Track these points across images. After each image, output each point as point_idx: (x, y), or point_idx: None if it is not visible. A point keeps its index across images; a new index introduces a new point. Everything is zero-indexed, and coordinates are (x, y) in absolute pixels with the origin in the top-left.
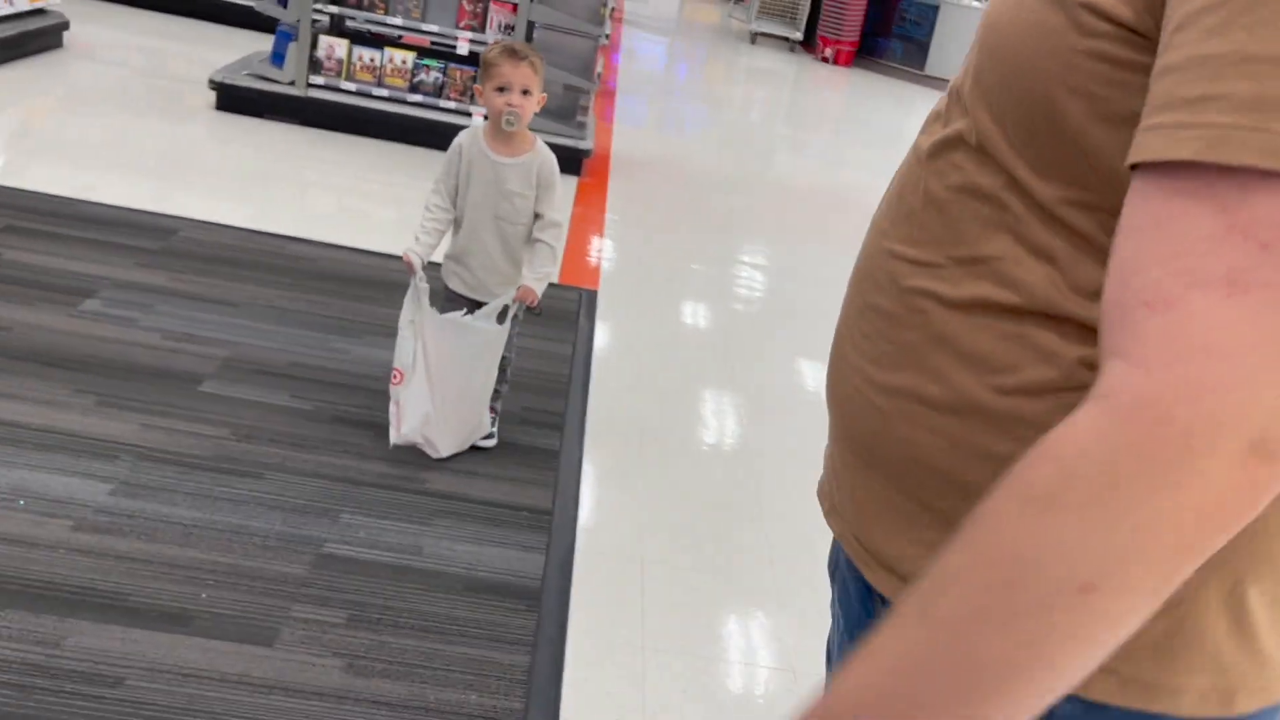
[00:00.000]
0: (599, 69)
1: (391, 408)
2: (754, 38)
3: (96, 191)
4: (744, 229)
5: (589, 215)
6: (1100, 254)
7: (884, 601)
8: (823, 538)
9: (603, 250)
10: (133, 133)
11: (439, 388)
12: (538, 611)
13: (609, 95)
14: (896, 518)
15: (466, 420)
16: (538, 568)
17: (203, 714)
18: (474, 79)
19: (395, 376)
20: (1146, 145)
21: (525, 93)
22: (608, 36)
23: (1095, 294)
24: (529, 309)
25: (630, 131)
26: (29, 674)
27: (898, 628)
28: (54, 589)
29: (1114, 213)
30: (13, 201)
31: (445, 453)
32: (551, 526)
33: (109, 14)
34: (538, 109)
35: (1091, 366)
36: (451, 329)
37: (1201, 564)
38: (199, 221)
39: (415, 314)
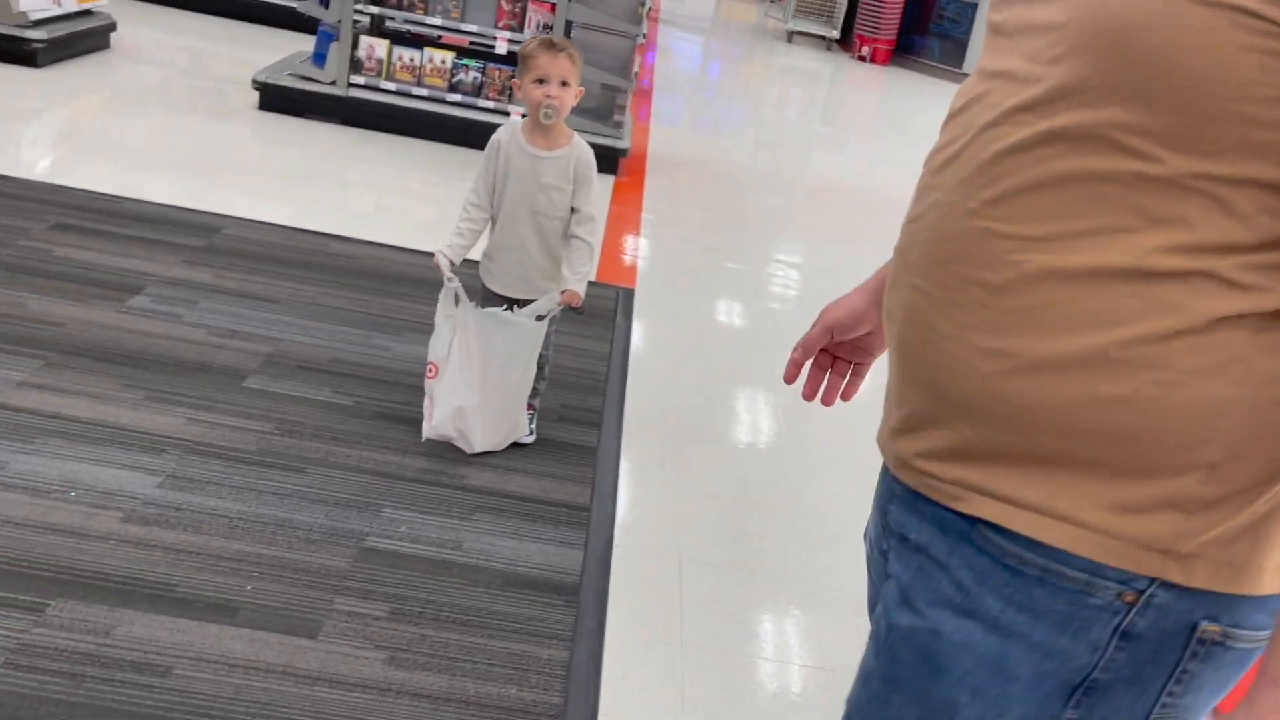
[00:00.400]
0: (636, 68)
1: (425, 402)
2: (790, 36)
3: (143, 190)
4: (781, 228)
5: (626, 214)
6: (1231, 214)
7: (984, 523)
8: (860, 535)
9: (639, 249)
10: (178, 132)
11: (477, 381)
12: (576, 607)
13: (645, 94)
14: (1001, 459)
15: (505, 416)
16: (576, 563)
17: (249, 704)
18: (512, 77)
19: (430, 370)
20: None
21: (563, 84)
22: (644, 36)
23: (1226, 249)
24: (572, 309)
25: (667, 131)
26: (80, 663)
27: None
28: (104, 579)
29: (1253, 182)
30: (62, 199)
31: (479, 448)
32: (589, 523)
33: (155, 15)
34: (575, 102)
35: (1224, 319)
36: (491, 323)
37: None
38: (242, 219)
39: (451, 310)
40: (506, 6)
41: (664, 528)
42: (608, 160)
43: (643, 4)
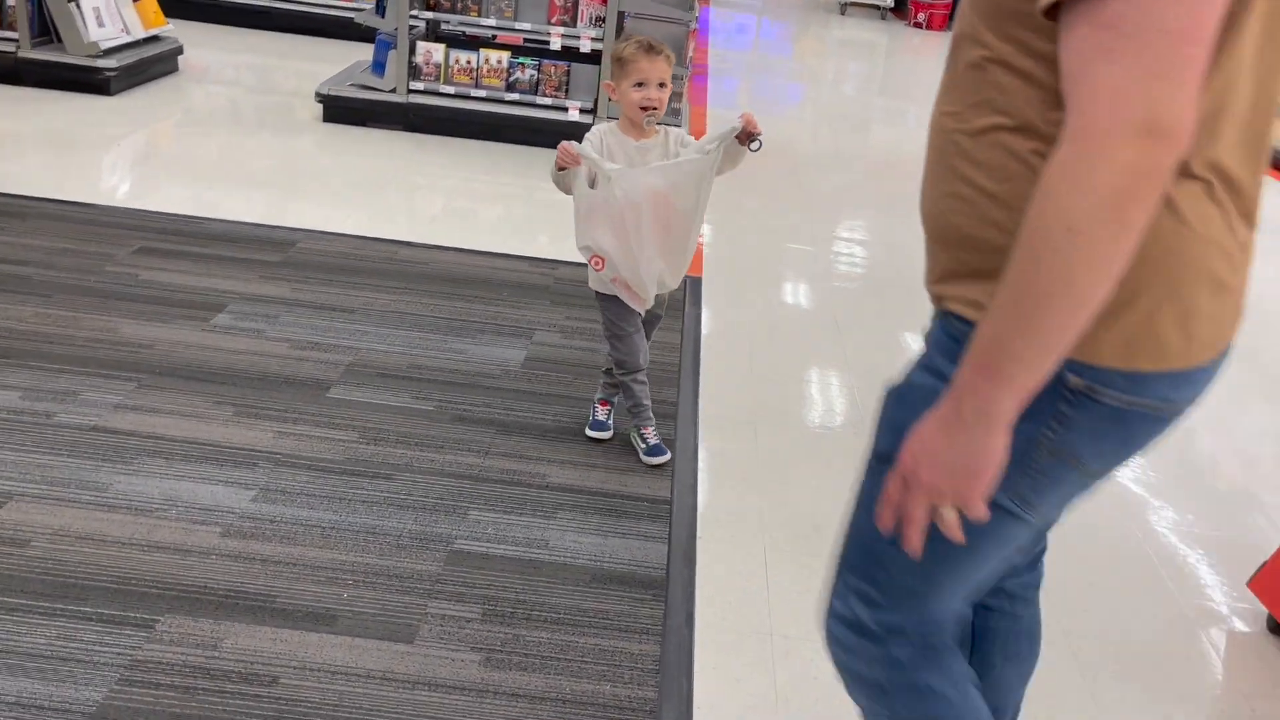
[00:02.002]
0: (690, 53)
1: (620, 291)
2: (844, 8)
3: (219, 208)
4: (844, 205)
5: None
6: (1035, 84)
7: (950, 314)
8: None
9: (704, 236)
10: (248, 149)
11: (660, 239)
12: (664, 601)
13: (700, 77)
14: (960, 272)
15: (690, 252)
16: (661, 557)
17: (353, 710)
18: (567, 74)
19: (595, 263)
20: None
21: (661, 85)
22: (696, 19)
23: (1037, 104)
24: (751, 138)
25: (724, 114)
26: (191, 675)
27: (983, 321)
28: (209, 593)
29: (1038, 56)
30: (144, 223)
31: (674, 286)
32: (671, 516)
33: (218, 36)
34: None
35: (1042, 156)
36: (658, 174)
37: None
38: (315, 232)
39: (586, 189)
40: (559, 2)
41: (746, 517)
42: None
43: None
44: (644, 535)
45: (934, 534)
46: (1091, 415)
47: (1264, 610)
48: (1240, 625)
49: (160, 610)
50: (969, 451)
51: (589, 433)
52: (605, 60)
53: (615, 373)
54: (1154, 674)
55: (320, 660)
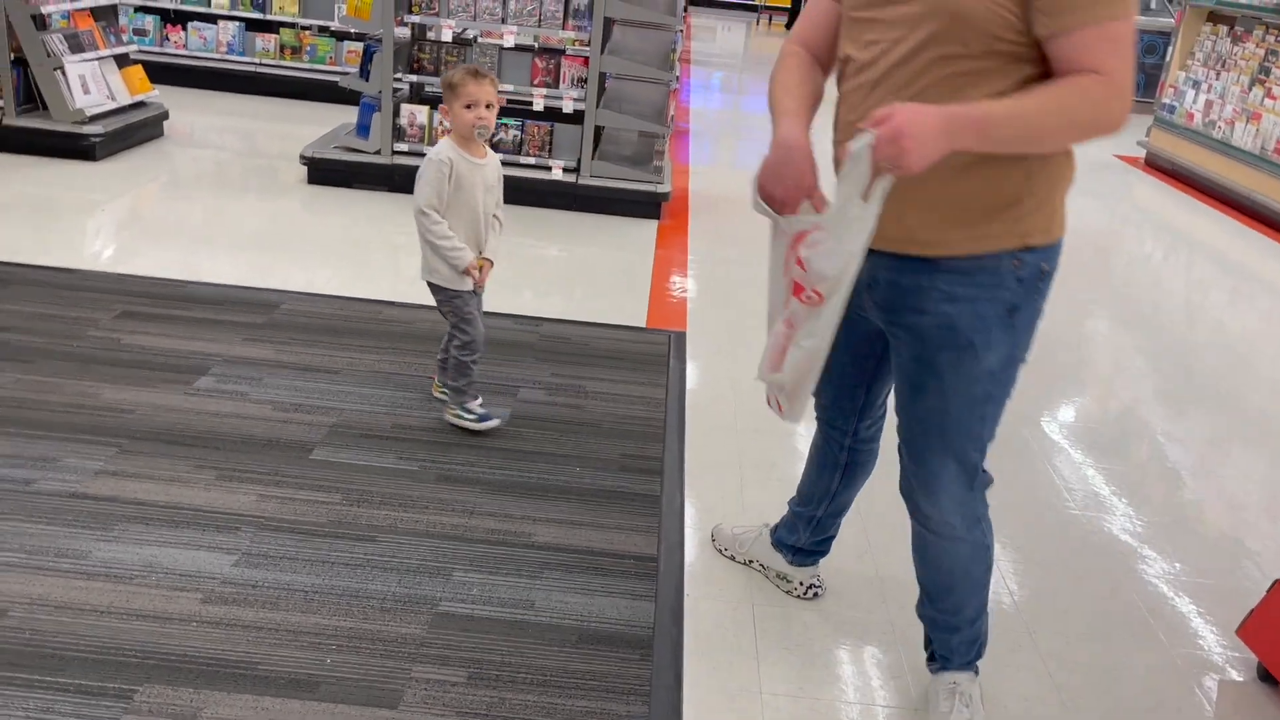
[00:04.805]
0: (671, 113)
1: (774, 404)
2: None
3: (203, 271)
4: None
5: (671, 257)
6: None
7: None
8: None
9: (687, 290)
10: (233, 211)
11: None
12: (652, 660)
13: (681, 136)
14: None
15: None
16: (648, 616)
17: None
18: (550, 134)
19: (814, 297)
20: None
21: (488, 106)
22: (677, 80)
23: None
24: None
25: (706, 170)
26: None
27: (997, 111)
28: (189, 661)
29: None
30: (127, 287)
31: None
32: (659, 573)
33: (203, 100)
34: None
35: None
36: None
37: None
38: (299, 293)
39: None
40: (541, 64)
41: (734, 573)
42: (649, 205)
43: (674, 49)
44: (631, 593)
45: (995, 393)
46: (1047, 284)
47: (1254, 658)
48: (1231, 673)
49: (139, 680)
50: (930, 149)
51: (484, 425)
52: (588, 120)
53: (460, 355)
54: None
55: None
